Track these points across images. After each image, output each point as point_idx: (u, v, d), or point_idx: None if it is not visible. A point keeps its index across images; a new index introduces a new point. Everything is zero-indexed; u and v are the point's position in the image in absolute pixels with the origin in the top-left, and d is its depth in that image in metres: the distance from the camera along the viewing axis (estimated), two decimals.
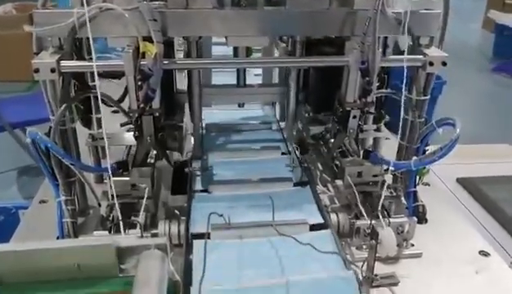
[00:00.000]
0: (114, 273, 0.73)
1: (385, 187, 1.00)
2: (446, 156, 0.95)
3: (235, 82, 1.26)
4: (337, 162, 1.15)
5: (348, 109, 1.06)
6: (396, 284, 0.91)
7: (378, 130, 1.26)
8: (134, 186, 1.01)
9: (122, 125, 1.03)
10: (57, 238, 0.98)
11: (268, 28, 1.00)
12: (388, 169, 1.04)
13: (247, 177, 1.17)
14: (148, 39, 0.90)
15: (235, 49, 1.16)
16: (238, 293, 0.85)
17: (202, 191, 1.13)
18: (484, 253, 1.04)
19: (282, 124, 1.44)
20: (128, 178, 1.01)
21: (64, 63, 0.90)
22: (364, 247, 1.00)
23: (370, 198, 1.06)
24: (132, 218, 0.96)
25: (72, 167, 0.97)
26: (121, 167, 1.01)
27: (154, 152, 1.12)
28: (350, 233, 1.02)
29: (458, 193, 1.56)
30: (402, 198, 1.10)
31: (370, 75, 0.99)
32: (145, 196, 1.00)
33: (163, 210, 1.09)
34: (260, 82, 1.45)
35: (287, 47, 1.23)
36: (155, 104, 0.99)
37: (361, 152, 1.15)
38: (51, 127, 0.95)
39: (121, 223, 0.92)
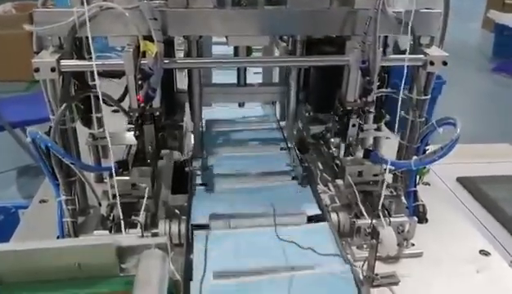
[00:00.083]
0: (115, 272, 0.73)
1: (385, 186, 1.00)
2: (447, 155, 0.95)
3: (235, 81, 1.26)
4: (337, 162, 1.15)
5: (349, 108, 1.06)
6: (396, 284, 0.91)
7: (378, 129, 1.25)
8: (134, 186, 1.01)
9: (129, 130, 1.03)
10: (57, 237, 0.98)
11: (269, 28, 1.00)
12: (388, 168, 1.04)
13: (247, 171, 1.18)
14: (148, 38, 0.90)
15: (236, 48, 1.15)
16: (238, 287, 0.85)
17: (202, 184, 1.13)
18: (484, 252, 1.04)
19: (282, 123, 1.44)
20: (128, 177, 1.01)
21: (64, 62, 0.90)
22: (364, 246, 1.00)
23: (371, 197, 1.06)
24: (133, 217, 0.96)
25: (72, 166, 0.96)
26: (121, 167, 1.01)
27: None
28: (350, 232, 1.02)
29: (458, 192, 1.56)
30: (403, 198, 1.10)
31: (370, 74, 0.99)
32: (146, 195, 1.00)
33: (163, 209, 1.09)
34: (260, 80, 1.45)
35: (287, 47, 1.22)
36: (156, 103, 0.99)
37: (362, 151, 1.15)
38: (51, 127, 0.95)
39: (122, 222, 0.91)
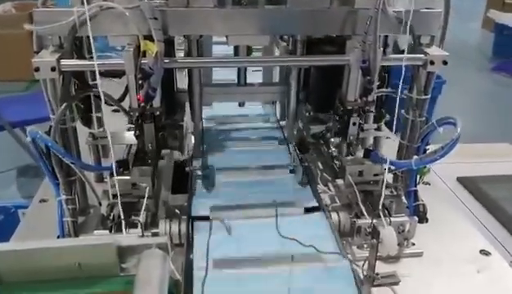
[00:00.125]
0: (115, 272, 0.73)
1: (384, 185, 1.00)
2: (447, 155, 0.95)
3: (235, 77, 1.26)
4: (337, 162, 1.15)
5: (349, 107, 1.06)
6: (397, 283, 0.91)
7: (378, 129, 1.25)
8: (135, 185, 1.01)
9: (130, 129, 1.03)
10: (58, 237, 0.98)
11: (269, 27, 1.00)
12: (389, 168, 1.04)
13: (246, 167, 1.19)
14: (149, 38, 0.90)
15: (236, 48, 1.15)
16: (238, 279, 0.86)
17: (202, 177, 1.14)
18: (485, 252, 1.04)
19: (282, 123, 1.44)
20: (128, 177, 1.00)
21: (64, 62, 0.90)
22: (365, 246, 1.00)
23: (371, 197, 1.06)
24: (133, 217, 0.96)
25: (72, 165, 0.96)
26: (122, 166, 1.01)
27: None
28: (351, 232, 1.02)
29: (458, 192, 1.55)
30: (403, 198, 1.10)
31: (371, 74, 0.99)
32: (146, 195, 0.99)
33: (163, 209, 1.09)
34: (259, 79, 1.45)
35: (288, 46, 1.22)
36: (156, 103, 0.99)
37: (362, 151, 1.15)
38: (51, 126, 0.95)
39: (123, 222, 0.91)
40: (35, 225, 1.08)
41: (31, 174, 2.83)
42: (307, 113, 1.24)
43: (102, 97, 0.91)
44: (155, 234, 0.97)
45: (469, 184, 1.58)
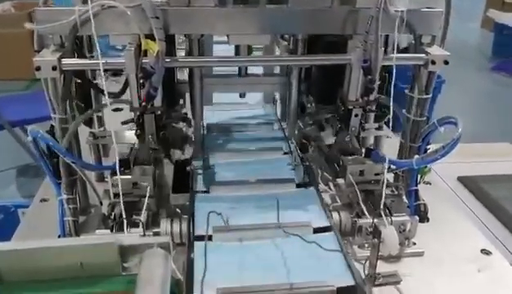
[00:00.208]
0: (117, 271, 0.73)
1: (385, 185, 1.00)
2: (449, 154, 0.95)
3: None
4: (339, 161, 1.15)
5: (350, 107, 1.06)
6: (398, 283, 0.91)
7: (379, 128, 1.25)
8: (136, 185, 1.01)
9: (123, 123, 1.02)
10: (58, 236, 0.98)
11: (270, 27, 1.00)
12: (390, 167, 1.04)
13: (248, 178, 1.17)
14: (150, 37, 0.90)
15: (237, 47, 1.15)
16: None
17: (204, 192, 1.12)
18: (486, 252, 1.04)
19: (283, 123, 1.43)
20: (130, 176, 1.00)
21: (65, 61, 0.90)
22: (366, 245, 1.00)
23: (372, 196, 1.06)
24: (134, 217, 0.96)
25: (73, 165, 0.96)
26: (123, 166, 1.01)
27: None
28: (352, 231, 1.02)
29: (459, 191, 1.56)
30: (404, 197, 1.10)
31: (372, 73, 0.99)
32: (148, 194, 0.99)
33: (164, 208, 1.09)
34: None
35: (288, 46, 1.22)
36: (157, 101, 0.99)
37: (363, 150, 1.15)
38: (52, 126, 0.95)
39: (125, 221, 0.91)
40: (36, 225, 1.08)
41: (31, 173, 2.83)
42: (309, 104, 1.23)
43: (107, 96, 0.91)
44: (157, 234, 0.97)
45: (469, 183, 1.58)
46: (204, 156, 1.24)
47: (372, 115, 1.23)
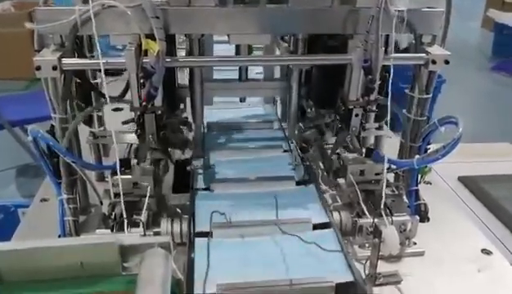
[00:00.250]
0: (117, 271, 0.73)
1: (385, 184, 1.00)
2: (449, 154, 0.95)
3: (236, 78, 1.25)
4: (339, 161, 1.15)
5: (351, 107, 1.06)
6: (399, 282, 0.91)
7: (379, 128, 1.25)
8: (136, 184, 1.01)
9: (124, 123, 1.02)
10: (59, 236, 0.98)
11: (270, 26, 1.00)
12: (390, 167, 1.04)
13: (249, 176, 1.17)
14: (150, 37, 0.90)
15: (237, 47, 1.15)
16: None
17: (204, 189, 1.12)
18: (486, 251, 1.04)
19: (283, 124, 1.43)
20: (130, 176, 1.00)
21: (65, 60, 0.90)
22: (366, 245, 1.00)
23: (373, 196, 1.06)
24: (135, 216, 0.96)
25: (74, 165, 0.96)
26: (123, 165, 1.01)
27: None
28: (352, 231, 1.02)
29: (459, 191, 1.56)
30: (404, 197, 1.10)
31: (373, 73, 0.99)
32: (148, 194, 0.99)
33: (164, 208, 1.09)
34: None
35: (289, 47, 1.22)
36: (158, 101, 0.99)
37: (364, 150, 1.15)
38: (52, 125, 0.95)
39: (125, 221, 0.91)
40: (36, 225, 1.08)
41: (31, 173, 2.83)
42: (309, 109, 1.23)
43: (107, 95, 0.91)
44: (157, 233, 0.97)
45: (469, 183, 1.58)
46: (205, 155, 1.24)
47: (372, 115, 1.23)
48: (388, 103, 1.00)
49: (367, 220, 0.99)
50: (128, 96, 1.03)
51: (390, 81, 0.98)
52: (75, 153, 1.00)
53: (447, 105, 2.54)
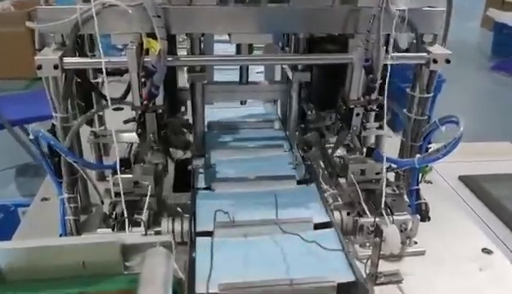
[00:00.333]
0: (119, 270, 0.73)
1: (384, 184, 1.00)
2: (450, 153, 0.95)
3: (237, 80, 1.26)
4: (340, 160, 1.15)
5: (352, 106, 1.06)
6: (400, 282, 0.91)
7: (380, 128, 1.25)
8: (137, 184, 1.01)
9: (125, 122, 1.02)
10: (60, 235, 0.98)
11: (271, 26, 1.00)
12: (391, 167, 1.04)
13: (250, 175, 1.17)
14: (151, 36, 0.90)
15: (238, 46, 1.15)
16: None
17: (205, 189, 1.12)
18: (487, 251, 1.04)
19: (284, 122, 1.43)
20: (131, 175, 1.00)
21: (67, 59, 0.90)
22: (367, 244, 1.00)
23: (373, 195, 1.06)
24: (135, 216, 0.96)
25: (75, 164, 0.96)
26: (123, 165, 1.01)
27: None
28: (353, 230, 1.02)
29: (460, 190, 1.56)
30: (405, 196, 1.10)
31: (374, 73, 0.99)
32: (149, 193, 0.99)
33: (165, 208, 1.09)
34: (262, 80, 1.44)
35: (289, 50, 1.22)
36: (159, 100, 0.99)
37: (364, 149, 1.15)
38: (53, 124, 0.95)
39: (126, 220, 0.91)
40: (37, 224, 1.08)
41: (30, 172, 2.82)
42: (309, 112, 1.24)
43: (108, 95, 0.90)
44: (158, 233, 0.97)
45: (470, 182, 1.58)
46: (205, 154, 1.24)
47: (373, 114, 1.23)
48: (385, 102, 1.00)
49: (368, 220, 0.99)
50: (129, 98, 1.03)
51: (387, 80, 0.99)
52: (76, 153, 1.00)
53: (447, 105, 2.53)
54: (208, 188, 1.12)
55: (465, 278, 0.96)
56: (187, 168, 1.17)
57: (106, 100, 0.98)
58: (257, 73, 1.50)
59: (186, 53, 1.13)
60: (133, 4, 0.88)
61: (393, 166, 1.08)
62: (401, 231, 0.98)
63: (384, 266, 0.93)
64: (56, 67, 0.88)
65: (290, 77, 1.19)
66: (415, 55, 1.02)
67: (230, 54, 1.20)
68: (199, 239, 0.95)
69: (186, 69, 1.22)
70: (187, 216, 1.01)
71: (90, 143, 1.18)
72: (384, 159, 1.02)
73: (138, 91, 0.96)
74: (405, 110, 1.09)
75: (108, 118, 1.23)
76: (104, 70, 0.88)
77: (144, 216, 0.95)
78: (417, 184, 1.11)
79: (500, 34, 5.25)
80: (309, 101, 1.25)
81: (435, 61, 1.01)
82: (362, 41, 0.99)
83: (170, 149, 1.16)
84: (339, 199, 1.12)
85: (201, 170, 1.18)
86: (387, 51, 0.99)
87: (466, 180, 1.60)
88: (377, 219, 0.97)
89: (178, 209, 1.05)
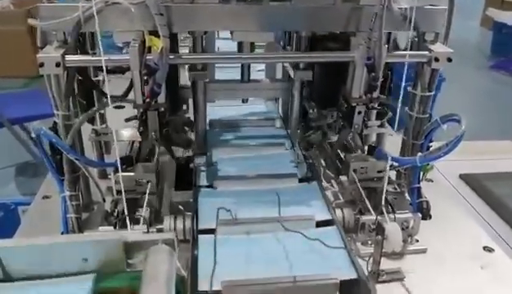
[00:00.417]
0: (122, 267, 0.73)
1: (386, 182, 1.00)
2: (452, 152, 0.95)
3: (239, 78, 1.26)
4: (341, 158, 1.15)
5: (354, 104, 1.06)
6: (402, 279, 0.91)
7: (381, 126, 1.25)
8: (138, 182, 1.01)
9: (127, 120, 1.02)
10: (62, 233, 0.98)
11: (273, 24, 1.00)
12: (392, 165, 1.04)
13: (252, 173, 1.17)
14: (154, 34, 0.90)
15: (240, 44, 1.15)
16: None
17: (207, 187, 1.12)
18: (488, 249, 1.04)
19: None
20: (132, 173, 1.00)
21: (69, 57, 0.90)
22: (369, 242, 1.00)
23: (375, 193, 1.06)
24: (137, 213, 0.96)
25: (77, 162, 0.96)
26: (125, 163, 1.01)
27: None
28: (355, 228, 1.02)
29: (461, 189, 1.56)
30: (406, 194, 1.10)
31: (376, 71, 0.99)
32: (150, 191, 0.99)
33: (167, 205, 1.09)
34: (263, 78, 1.44)
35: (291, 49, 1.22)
36: (161, 98, 0.99)
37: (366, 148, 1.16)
38: (54, 122, 0.95)
39: (127, 218, 0.91)
40: (38, 222, 1.08)
41: (30, 171, 2.82)
42: (311, 110, 1.24)
43: (108, 94, 0.90)
44: (160, 230, 0.97)
45: (471, 181, 1.59)
46: (207, 152, 1.25)
47: (374, 112, 1.23)
48: (381, 101, 1.00)
49: (370, 218, 0.99)
50: (130, 96, 1.03)
51: (389, 79, 0.99)
52: (78, 151, 1.00)
53: (447, 104, 2.53)
54: (210, 186, 1.12)
55: (467, 276, 0.97)
56: (189, 166, 1.17)
57: (107, 97, 0.98)
58: (258, 71, 1.49)
59: (188, 51, 1.13)
60: (136, 2, 0.88)
61: (395, 164, 1.08)
62: (402, 229, 0.98)
63: (386, 264, 0.93)
64: (57, 65, 0.88)
65: (292, 76, 1.20)
66: (416, 54, 1.02)
67: (232, 52, 1.20)
68: (201, 237, 0.95)
69: (187, 67, 1.22)
70: (189, 213, 1.01)
71: (91, 141, 1.18)
72: (393, 158, 1.02)
73: (140, 89, 0.95)
74: (406, 108, 1.09)
75: (109, 116, 1.23)
76: (104, 68, 0.88)
77: (146, 214, 0.95)
78: (418, 183, 1.11)
79: (500, 34, 5.25)
80: (311, 99, 1.26)
81: (437, 59, 1.01)
82: (364, 39, 0.99)
83: (172, 147, 1.16)
84: (341, 197, 1.13)
85: (203, 168, 1.18)
86: (389, 49, 0.99)
87: (467, 179, 1.60)
88: (379, 217, 0.97)
89: (180, 207, 1.05)
